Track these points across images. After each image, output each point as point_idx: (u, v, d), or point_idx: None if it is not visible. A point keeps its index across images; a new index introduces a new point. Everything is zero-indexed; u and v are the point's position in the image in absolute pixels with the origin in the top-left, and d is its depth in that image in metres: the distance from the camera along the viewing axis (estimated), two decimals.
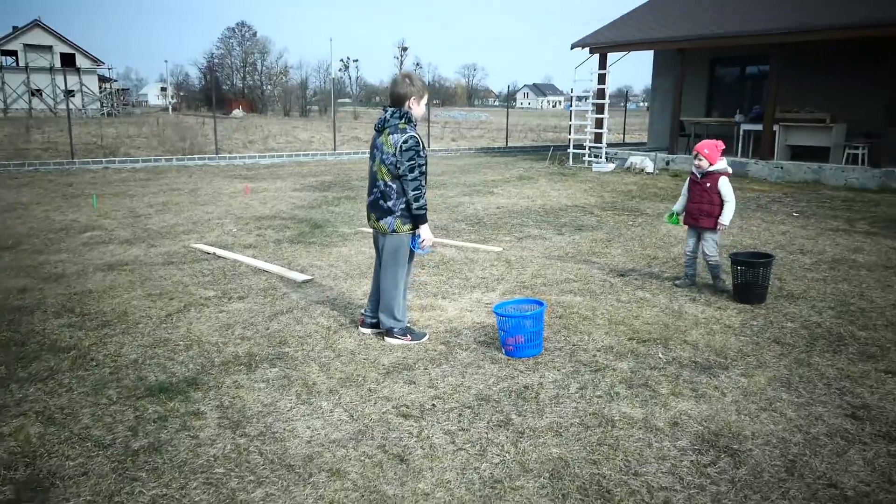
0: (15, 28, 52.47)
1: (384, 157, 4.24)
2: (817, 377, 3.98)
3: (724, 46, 14.99)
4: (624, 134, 27.49)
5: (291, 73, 79.76)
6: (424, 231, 4.33)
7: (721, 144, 5.65)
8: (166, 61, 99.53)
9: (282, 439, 3.20)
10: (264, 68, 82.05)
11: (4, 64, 49.97)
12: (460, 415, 3.45)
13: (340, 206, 10.31)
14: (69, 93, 47.76)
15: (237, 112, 54.37)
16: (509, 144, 23.50)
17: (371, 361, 4.16)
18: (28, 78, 47.13)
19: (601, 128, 16.85)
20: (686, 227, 5.86)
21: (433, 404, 3.57)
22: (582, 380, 3.89)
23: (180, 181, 13.41)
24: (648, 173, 14.87)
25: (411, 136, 4.18)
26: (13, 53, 51.49)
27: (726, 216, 5.57)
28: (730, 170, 5.69)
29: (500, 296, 5.57)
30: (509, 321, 4.19)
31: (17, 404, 3.55)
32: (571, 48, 16.96)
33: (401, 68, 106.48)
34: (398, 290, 4.47)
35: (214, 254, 7.10)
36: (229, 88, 78.28)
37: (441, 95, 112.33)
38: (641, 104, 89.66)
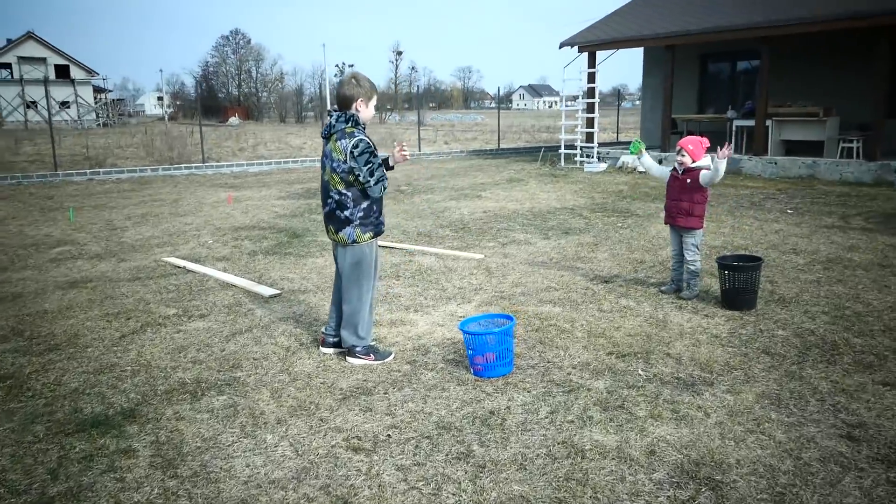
0: (9, 40, 52.23)
1: (335, 164, 3.95)
2: (810, 392, 3.67)
3: (713, 41, 14.67)
4: (618, 133, 27.16)
5: (287, 80, 79.76)
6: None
7: (706, 142, 5.36)
8: (161, 70, 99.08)
9: (216, 480, 2.90)
10: (259, 75, 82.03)
11: None
12: (417, 446, 3.15)
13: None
14: (64, 104, 47.77)
15: (233, 120, 54.17)
16: (502, 146, 23.20)
17: (328, 386, 3.86)
18: (23, 90, 46.90)
19: (592, 127, 16.55)
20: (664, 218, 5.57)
21: (388, 434, 3.26)
22: (553, 402, 3.58)
23: (164, 192, 13.13)
24: (640, 172, 14.56)
25: (361, 140, 3.89)
26: (7, 66, 51.27)
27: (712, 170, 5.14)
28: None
29: (475, 307, 5.27)
30: (476, 339, 3.89)
31: None
32: (560, 47, 16.65)
33: (396, 72, 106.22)
34: (363, 304, 4.18)
35: (184, 268, 6.82)
36: (225, 96, 78.21)
37: (437, 98, 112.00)
38: (637, 102, 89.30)
